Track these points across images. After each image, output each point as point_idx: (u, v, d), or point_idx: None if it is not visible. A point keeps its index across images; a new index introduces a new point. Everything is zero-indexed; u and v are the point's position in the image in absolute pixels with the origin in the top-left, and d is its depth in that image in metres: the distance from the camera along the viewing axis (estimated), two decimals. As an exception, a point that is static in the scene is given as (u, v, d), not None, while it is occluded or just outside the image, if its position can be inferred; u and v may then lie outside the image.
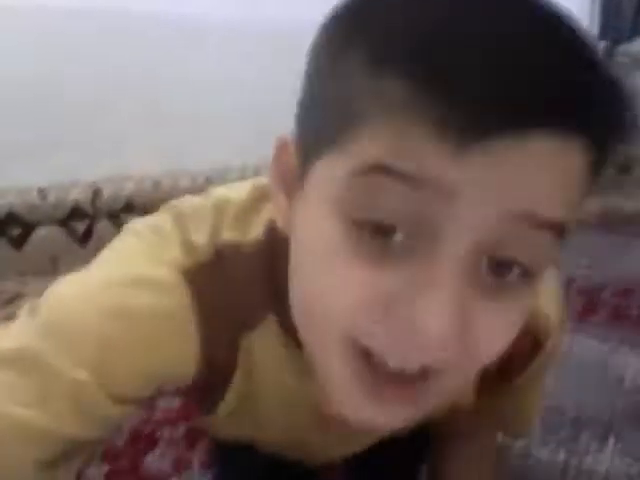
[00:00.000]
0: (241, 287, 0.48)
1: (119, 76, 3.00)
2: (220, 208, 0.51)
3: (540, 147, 0.35)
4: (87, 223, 1.70)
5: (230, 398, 0.53)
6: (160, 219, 0.51)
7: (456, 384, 0.43)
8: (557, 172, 0.36)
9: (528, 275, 0.39)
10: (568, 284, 2.25)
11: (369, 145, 0.36)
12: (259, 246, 0.48)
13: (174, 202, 0.54)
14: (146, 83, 2.94)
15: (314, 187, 0.40)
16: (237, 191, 0.53)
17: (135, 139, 2.16)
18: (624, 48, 3.47)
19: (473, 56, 0.33)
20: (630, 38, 3.45)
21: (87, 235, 1.70)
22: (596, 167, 0.39)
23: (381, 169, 0.35)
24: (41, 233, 1.67)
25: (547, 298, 0.58)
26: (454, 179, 0.34)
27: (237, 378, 0.52)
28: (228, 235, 0.49)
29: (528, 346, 0.57)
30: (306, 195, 0.41)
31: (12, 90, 2.47)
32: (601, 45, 3.52)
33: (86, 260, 0.50)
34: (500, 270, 0.38)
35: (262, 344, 0.51)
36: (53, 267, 1.60)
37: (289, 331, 0.48)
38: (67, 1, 4.80)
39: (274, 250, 0.47)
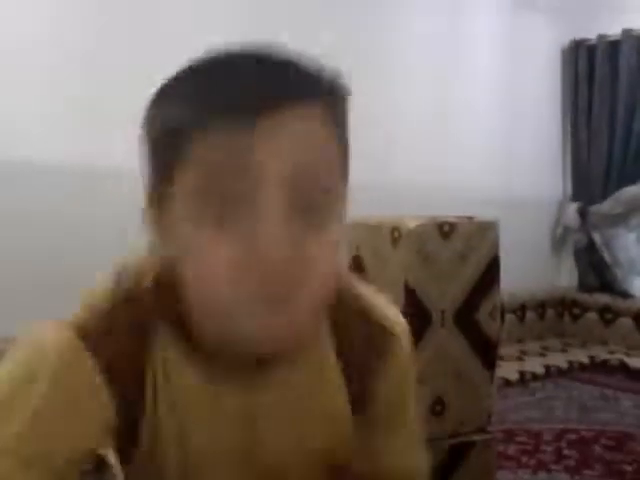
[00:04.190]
0: (137, 316, 0.60)
1: None
2: (121, 267, 0.64)
3: (291, 115, 0.53)
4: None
5: (149, 411, 0.60)
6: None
7: (313, 305, 0.55)
8: (311, 129, 0.54)
9: (329, 192, 0.55)
10: (560, 436, 2.17)
11: (198, 157, 0.53)
12: (150, 287, 0.61)
13: None
14: None
15: (175, 199, 0.55)
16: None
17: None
18: (596, 208, 3.63)
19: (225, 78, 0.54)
20: (601, 200, 3.62)
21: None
22: (338, 119, 0.57)
23: (211, 170, 0.53)
24: None
25: (385, 306, 0.70)
26: (255, 152, 0.52)
27: (149, 392, 0.60)
28: (126, 285, 0.62)
29: (370, 331, 0.67)
30: (170, 207, 0.56)
31: None
32: (575, 205, 3.69)
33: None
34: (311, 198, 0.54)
35: (163, 357, 0.60)
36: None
37: (185, 339, 0.60)
38: None
39: (161, 287, 0.60)
